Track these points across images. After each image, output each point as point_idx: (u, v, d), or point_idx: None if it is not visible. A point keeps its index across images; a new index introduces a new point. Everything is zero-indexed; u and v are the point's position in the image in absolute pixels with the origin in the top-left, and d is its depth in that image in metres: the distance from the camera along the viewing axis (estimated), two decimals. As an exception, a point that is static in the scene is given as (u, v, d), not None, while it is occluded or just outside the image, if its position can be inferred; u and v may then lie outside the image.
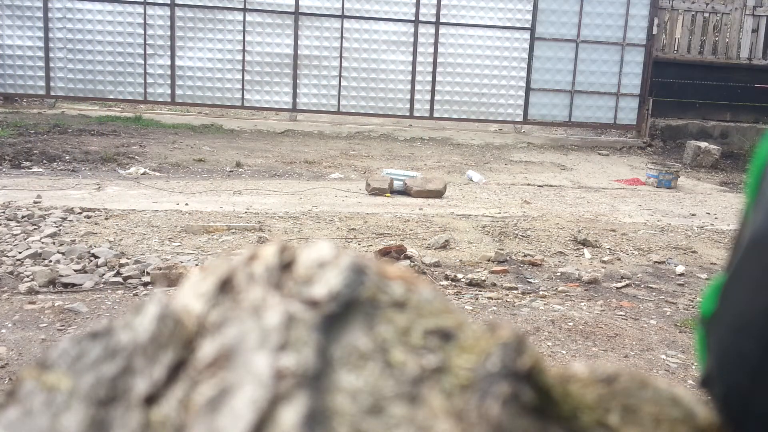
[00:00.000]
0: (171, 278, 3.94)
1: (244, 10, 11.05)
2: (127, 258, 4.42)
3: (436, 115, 11.61)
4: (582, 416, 0.45)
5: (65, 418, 0.41)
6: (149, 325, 0.45)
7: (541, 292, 4.25)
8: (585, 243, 5.34)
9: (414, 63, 11.39)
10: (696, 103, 12.09)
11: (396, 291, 0.46)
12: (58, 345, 0.46)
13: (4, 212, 5.40)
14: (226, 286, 0.46)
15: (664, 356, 3.44)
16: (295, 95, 11.32)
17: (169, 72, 11.06)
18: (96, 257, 4.38)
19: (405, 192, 7.03)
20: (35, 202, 5.82)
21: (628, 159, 10.85)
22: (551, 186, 8.22)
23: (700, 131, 11.80)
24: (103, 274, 4.12)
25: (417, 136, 11.24)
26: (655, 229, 6.14)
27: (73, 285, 3.96)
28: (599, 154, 11.08)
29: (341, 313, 0.43)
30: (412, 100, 11.49)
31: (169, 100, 11.19)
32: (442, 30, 11.37)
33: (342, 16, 11.20)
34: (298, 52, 11.19)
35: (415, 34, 11.34)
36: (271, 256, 0.47)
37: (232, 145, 9.55)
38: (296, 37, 11.16)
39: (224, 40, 11.09)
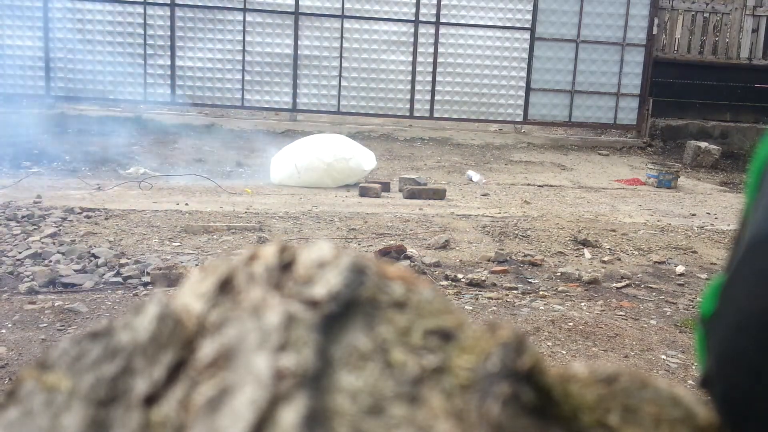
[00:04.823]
0: (171, 278, 3.94)
1: (244, 10, 11.04)
2: (127, 258, 4.42)
3: (436, 115, 11.61)
4: (582, 416, 0.45)
5: (65, 418, 0.41)
6: (149, 325, 0.45)
7: (541, 292, 4.25)
8: (585, 243, 5.34)
9: (414, 63, 11.39)
10: (696, 103, 12.09)
11: (396, 291, 0.46)
12: (58, 345, 0.46)
13: (4, 212, 5.40)
14: (226, 286, 0.46)
15: (664, 356, 3.44)
16: (295, 95, 11.32)
17: (169, 72, 11.06)
18: (96, 257, 4.38)
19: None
20: (35, 202, 5.81)
21: (628, 159, 10.85)
22: (551, 186, 8.23)
23: (700, 131, 11.80)
24: (103, 274, 4.12)
25: (417, 136, 11.24)
26: (655, 229, 6.14)
27: (73, 285, 3.96)
28: (599, 154, 11.08)
29: (341, 313, 0.43)
30: (412, 100, 11.49)
31: (169, 100, 11.18)
32: (442, 30, 11.36)
33: (342, 16, 11.19)
34: (298, 52, 11.19)
35: (415, 34, 11.34)
36: (271, 256, 0.47)
37: (232, 145, 9.55)
38: (296, 37, 11.16)
39: (224, 40, 11.09)
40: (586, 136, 12.34)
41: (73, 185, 6.84)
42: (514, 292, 4.23)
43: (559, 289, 4.36)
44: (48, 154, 8.27)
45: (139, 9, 10.90)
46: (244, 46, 11.11)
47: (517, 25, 11.45)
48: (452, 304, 0.69)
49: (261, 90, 11.27)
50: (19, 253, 4.41)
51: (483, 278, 4.34)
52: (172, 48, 11.01)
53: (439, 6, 11.28)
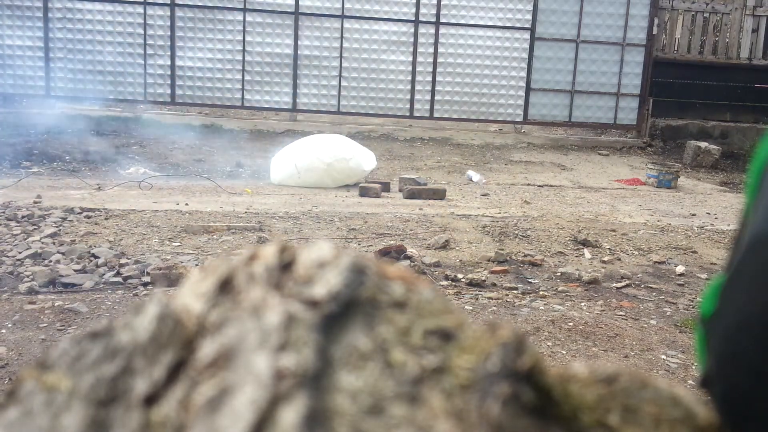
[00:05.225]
0: (171, 278, 3.94)
1: (244, 10, 11.04)
2: (127, 258, 4.42)
3: (436, 115, 11.61)
4: (582, 416, 0.45)
5: (65, 418, 0.41)
6: (149, 325, 0.45)
7: (541, 292, 4.25)
8: (585, 243, 5.34)
9: (414, 63, 11.39)
10: (696, 103, 12.09)
11: (396, 291, 0.46)
12: (58, 345, 0.46)
13: (4, 212, 5.40)
14: (226, 286, 0.46)
15: (664, 356, 3.44)
16: (295, 95, 11.32)
17: (169, 72, 11.06)
18: (96, 257, 4.38)
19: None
20: (35, 202, 5.81)
21: (628, 159, 10.85)
22: (551, 186, 8.22)
23: (700, 131, 11.80)
24: (103, 274, 4.12)
25: (417, 136, 11.24)
26: (655, 229, 6.14)
27: (73, 285, 3.96)
28: (599, 154, 11.08)
29: (341, 313, 0.43)
30: (412, 100, 11.49)
31: (169, 100, 11.18)
32: (442, 30, 11.36)
33: (342, 16, 11.19)
34: (298, 52, 11.19)
35: (415, 34, 11.34)
36: (271, 256, 0.47)
37: (232, 145, 9.55)
38: (296, 37, 11.16)
39: (224, 40, 11.09)
40: (586, 136, 12.34)
41: (73, 185, 6.84)
42: (514, 292, 4.23)
43: (559, 289, 4.36)
44: (48, 154, 8.27)
45: (139, 9, 10.90)
46: (244, 46, 11.11)
47: (517, 25, 11.45)
48: (452, 304, 0.68)
49: (261, 90, 11.27)
50: (19, 253, 4.41)
51: (483, 278, 4.34)
52: (172, 48, 11.00)
53: (439, 6, 11.28)
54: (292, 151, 7.39)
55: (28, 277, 4.02)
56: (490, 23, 11.40)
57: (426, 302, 0.46)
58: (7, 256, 4.34)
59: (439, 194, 7.02)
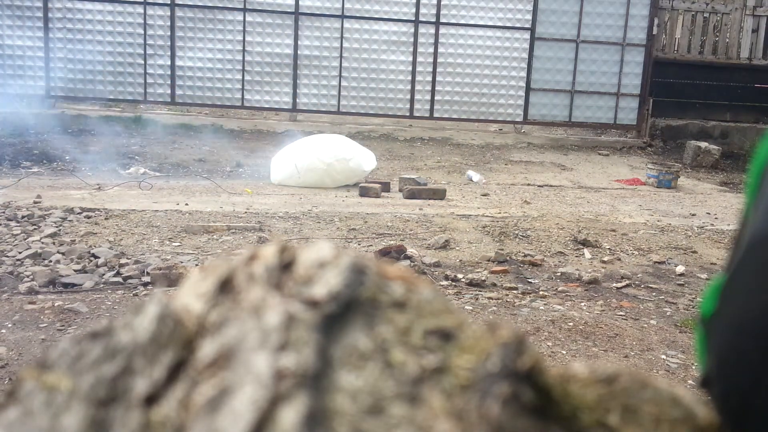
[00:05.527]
0: (171, 278, 3.94)
1: (244, 10, 11.04)
2: (127, 258, 4.42)
3: (436, 115, 11.60)
4: (582, 416, 0.45)
5: (65, 418, 0.41)
6: (149, 325, 0.45)
7: (541, 292, 4.25)
8: (585, 243, 5.34)
9: (414, 63, 11.39)
10: (696, 103, 12.09)
11: (396, 291, 0.46)
12: (58, 345, 0.46)
13: (4, 212, 5.40)
14: (226, 286, 0.46)
15: (664, 356, 3.44)
16: (295, 95, 11.32)
17: (169, 72, 11.05)
18: (96, 257, 4.38)
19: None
20: (35, 202, 5.81)
21: (628, 159, 10.85)
22: (551, 186, 8.22)
23: (700, 131, 11.79)
24: (103, 274, 4.12)
25: (417, 136, 11.24)
26: (655, 229, 6.14)
27: (73, 285, 3.96)
28: (599, 154, 11.08)
29: (341, 313, 0.43)
30: (412, 100, 11.48)
31: (169, 100, 11.18)
32: (442, 30, 11.36)
33: (342, 16, 11.19)
34: (298, 52, 11.19)
35: (415, 34, 11.34)
36: (271, 256, 0.47)
37: (232, 145, 9.55)
38: (296, 37, 11.16)
39: (224, 40, 11.09)
40: (586, 136, 12.34)
41: (73, 185, 6.84)
42: (514, 292, 4.23)
43: (559, 289, 4.36)
44: (48, 154, 8.27)
45: (139, 9, 10.89)
46: (244, 46, 11.11)
47: (517, 25, 11.44)
48: (452, 304, 0.68)
49: (261, 90, 11.27)
50: (19, 253, 4.41)
51: (483, 278, 4.34)
52: (172, 48, 11.00)
53: (439, 6, 11.28)
54: (292, 151, 7.39)
55: (28, 277, 4.02)
56: (490, 23, 11.40)
57: (426, 302, 0.46)
58: (7, 256, 4.35)
59: (439, 194, 7.02)
